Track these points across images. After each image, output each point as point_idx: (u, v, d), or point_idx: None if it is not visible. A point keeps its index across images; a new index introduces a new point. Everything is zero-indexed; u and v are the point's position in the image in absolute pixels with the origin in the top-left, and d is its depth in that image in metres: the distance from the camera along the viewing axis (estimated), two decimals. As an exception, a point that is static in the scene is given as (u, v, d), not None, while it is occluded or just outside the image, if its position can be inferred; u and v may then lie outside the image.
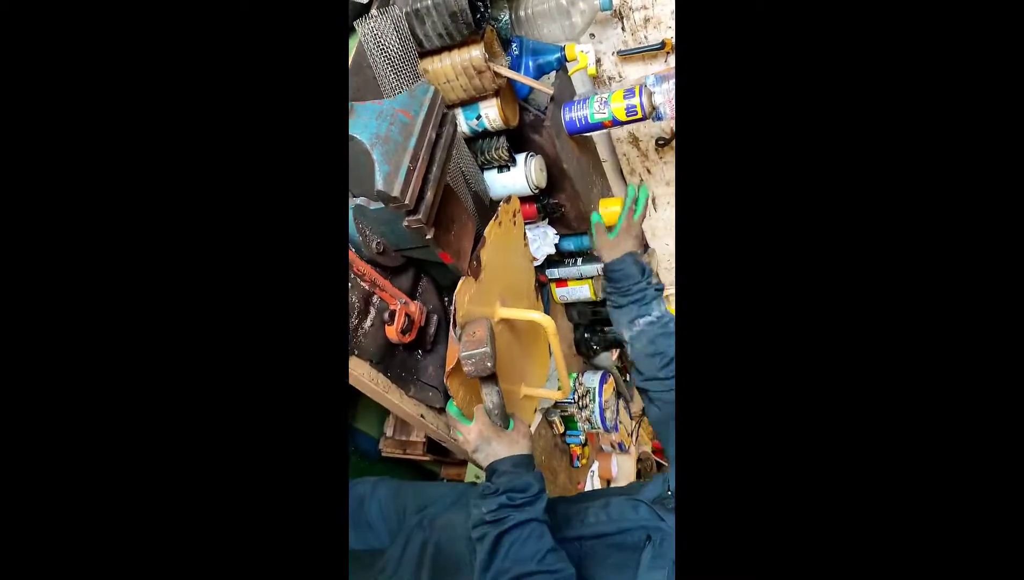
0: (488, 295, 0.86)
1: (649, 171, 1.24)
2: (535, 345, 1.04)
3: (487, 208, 1.00)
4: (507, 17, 0.92)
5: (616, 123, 0.94)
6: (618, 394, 1.42)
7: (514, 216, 0.94)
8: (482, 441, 0.70)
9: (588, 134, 1.14)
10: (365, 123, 0.59)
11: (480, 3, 0.81)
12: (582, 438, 1.31)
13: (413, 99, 0.64)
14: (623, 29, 1.01)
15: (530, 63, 0.95)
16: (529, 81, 0.87)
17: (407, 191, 0.58)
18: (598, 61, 1.06)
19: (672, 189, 1.27)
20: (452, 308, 0.75)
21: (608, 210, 1.14)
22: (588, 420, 1.29)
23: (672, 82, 0.90)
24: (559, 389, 0.98)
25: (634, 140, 1.19)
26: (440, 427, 0.85)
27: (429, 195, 0.62)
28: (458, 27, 0.78)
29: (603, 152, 1.24)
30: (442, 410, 0.84)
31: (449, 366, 0.75)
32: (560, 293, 1.26)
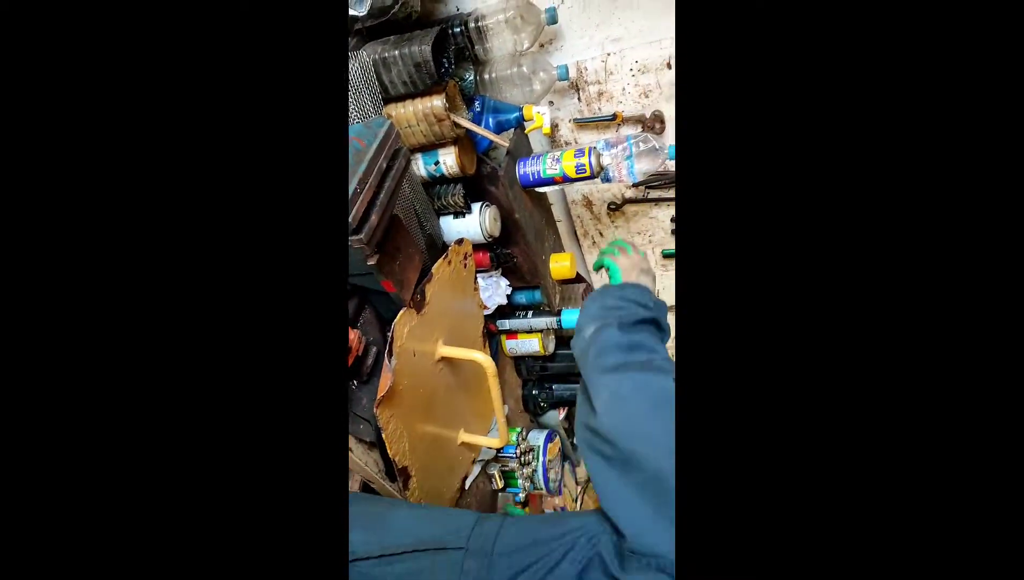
0: (430, 331, 0.87)
1: (601, 234, 1.30)
2: (478, 393, 1.04)
3: (439, 250, 1.02)
4: (472, 77, 0.99)
5: (566, 179, 0.99)
6: (564, 456, 1.39)
7: (465, 258, 0.97)
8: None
9: (545, 192, 1.20)
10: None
11: (445, 58, 0.87)
12: (522, 496, 1.27)
13: (369, 129, 0.67)
14: (579, 100, 1.10)
15: (490, 120, 1.01)
16: (486, 133, 0.93)
17: (352, 211, 0.60)
18: (555, 126, 1.14)
19: (623, 253, 1.32)
20: (390, 337, 0.75)
21: (558, 265, 1.19)
22: (530, 479, 1.26)
23: (620, 147, 0.97)
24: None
25: (588, 203, 1.25)
26: (369, 464, 0.82)
27: (374, 218, 0.64)
28: (421, 77, 0.83)
29: (558, 212, 1.30)
30: (373, 444, 0.81)
31: (380, 393, 0.73)
32: (510, 345, 1.27)
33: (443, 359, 0.90)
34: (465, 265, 0.97)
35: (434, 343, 0.89)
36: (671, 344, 0.76)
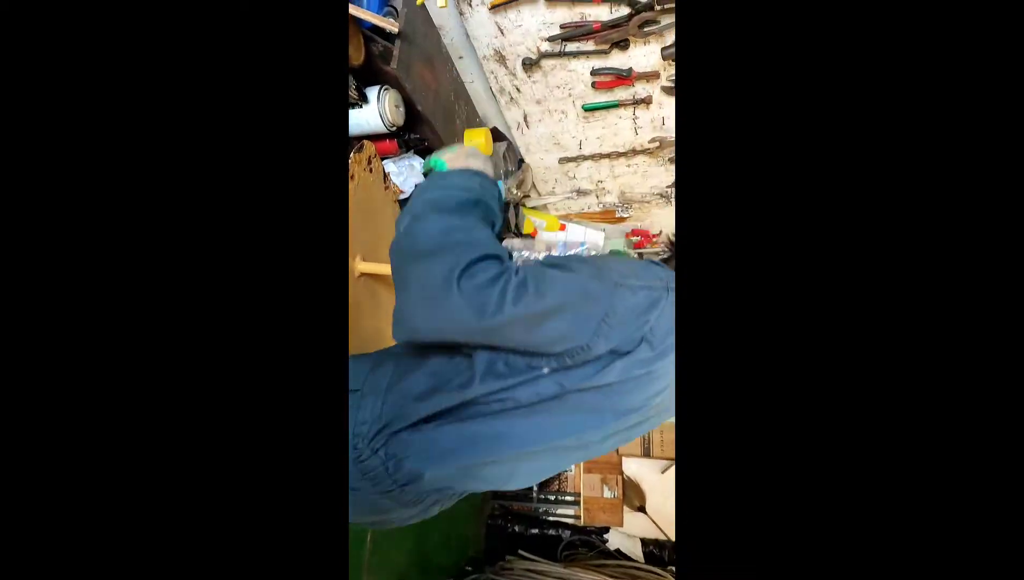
0: (349, 251, 0.86)
1: (518, 89, 1.20)
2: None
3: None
4: (339, -71, 0.79)
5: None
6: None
7: (369, 163, 0.91)
8: (470, 155, 0.71)
9: (448, 60, 1.07)
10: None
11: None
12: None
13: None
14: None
15: (373, -15, 0.85)
16: (370, 16, 0.79)
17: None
18: (454, -26, 0.97)
19: (542, 107, 1.25)
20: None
21: (474, 142, 1.12)
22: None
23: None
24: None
25: (500, 58, 1.13)
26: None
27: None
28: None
29: (470, 70, 1.18)
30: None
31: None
32: (433, 219, 1.26)
33: (364, 275, 0.91)
34: (371, 170, 0.92)
35: (352, 260, 0.88)
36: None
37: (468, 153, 0.70)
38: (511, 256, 0.58)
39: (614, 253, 1.39)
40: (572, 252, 1.38)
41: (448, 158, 0.70)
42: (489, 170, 0.69)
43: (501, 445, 0.58)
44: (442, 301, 0.53)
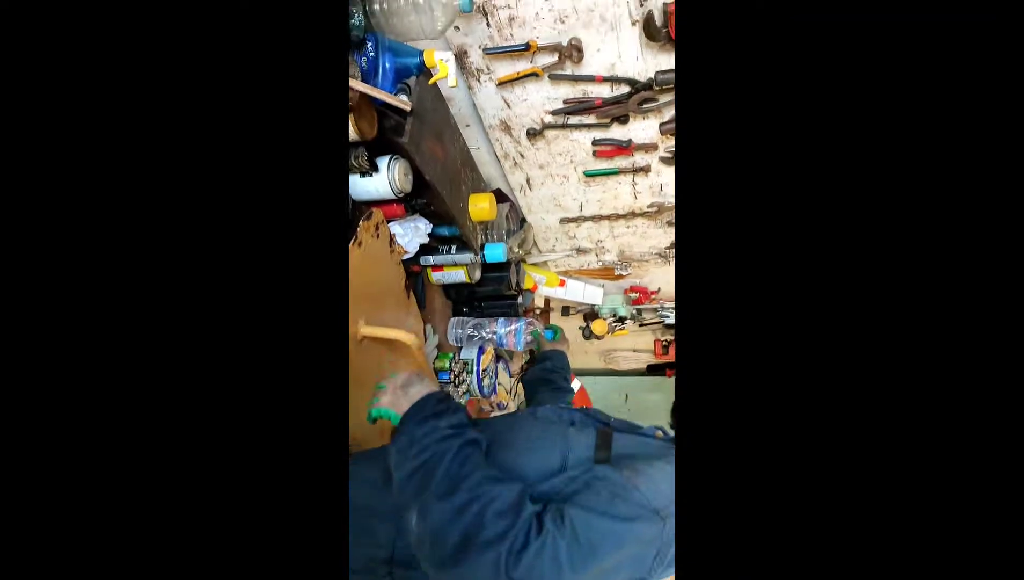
0: (351, 313, 0.87)
1: (522, 156, 1.25)
2: (405, 354, 1.08)
3: (349, 209, 0.97)
4: (359, 16, 0.85)
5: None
6: (498, 358, 1.52)
7: (377, 229, 0.94)
8: (403, 386, 0.68)
9: (456, 131, 1.11)
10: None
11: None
12: (460, 407, 1.41)
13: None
14: (488, 25, 0.97)
15: (387, 64, 0.90)
16: (384, 95, 0.83)
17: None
18: (464, 53, 1.02)
19: (545, 172, 1.29)
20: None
21: (478, 208, 1.16)
22: (467, 391, 1.39)
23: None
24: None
25: (506, 128, 1.18)
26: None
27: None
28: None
29: (476, 138, 1.23)
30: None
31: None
32: (436, 276, 1.29)
33: (366, 338, 0.92)
34: (378, 235, 0.95)
35: (355, 325, 0.90)
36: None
37: (402, 384, 0.69)
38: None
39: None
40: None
41: (387, 402, 0.68)
42: (427, 384, 0.68)
43: None
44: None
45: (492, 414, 1.54)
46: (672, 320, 1.68)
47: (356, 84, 0.80)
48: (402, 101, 0.85)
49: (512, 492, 0.53)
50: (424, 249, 1.24)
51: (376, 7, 0.87)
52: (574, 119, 1.13)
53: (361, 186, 0.98)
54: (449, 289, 1.39)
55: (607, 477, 0.56)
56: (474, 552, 0.50)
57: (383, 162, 0.96)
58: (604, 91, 1.07)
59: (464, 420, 0.63)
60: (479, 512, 0.51)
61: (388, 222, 1.02)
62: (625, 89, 1.05)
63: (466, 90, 1.10)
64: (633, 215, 1.39)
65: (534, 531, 0.51)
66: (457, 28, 0.98)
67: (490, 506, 0.52)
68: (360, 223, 0.88)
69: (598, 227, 1.47)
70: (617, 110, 1.08)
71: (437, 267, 1.27)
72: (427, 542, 0.52)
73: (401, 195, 0.99)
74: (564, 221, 1.45)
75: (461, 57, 1.03)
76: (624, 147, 1.17)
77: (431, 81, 0.90)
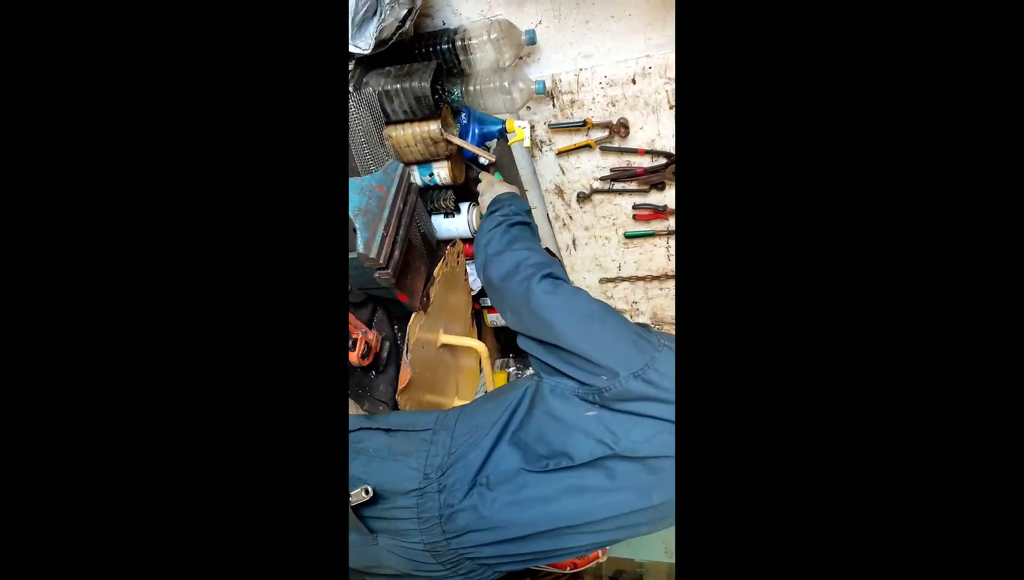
0: (434, 323, 1.03)
1: (571, 217, 1.46)
2: (468, 365, 1.22)
3: (433, 247, 1.17)
4: (459, 92, 1.10)
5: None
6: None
7: (458, 257, 1.13)
8: (488, 185, 0.97)
9: (523, 189, 1.34)
10: (349, 197, 0.75)
11: (439, 87, 0.98)
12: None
13: (387, 176, 0.80)
14: (554, 106, 1.22)
15: (476, 130, 1.13)
16: (475, 149, 1.06)
17: (382, 253, 0.75)
18: (532, 128, 1.27)
19: (589, 233, 1.49)
20: (406, 338, 0.92)
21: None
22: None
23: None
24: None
25: (560, 192, 1.40)
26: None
27: (396, 254, 0.78)
28: (421, 108, 0.95)
29: (534, 199, 1.45)
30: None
31: (401, 385, 0.91)
32: (490, 318, 1.45)
33: (444, 345, 1.07)
34: (458, 262, 1.13)
35: (436, 333, 1.06)
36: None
37: (491, 182, 0.98)
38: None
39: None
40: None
41: (483, 201, 0.95)
42: (507, 188, 0.97)
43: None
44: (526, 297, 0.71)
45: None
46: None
47: (454, 139, 1.03)
48: (487, 153, 1.07)
49: (540, 255, 0.76)
50: (483, 292, 1.42)
51: (471, 88, 1.13)
52: (618, 185, 1.35)
53: (443, 225, 1.18)
54: (499, 333, 1.54)
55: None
56: (516, 277, 0.72)
57: (464, 206, 1.17)
58: (645, 162, 1.29)
59: (519, 210, 0.87)
60: (529, 261, 0.74)
61: (466, 259, 1.21)
62: (663, 161, 1.28)
63: (529, 158, 1.34)
64: (666, 277, 1.56)
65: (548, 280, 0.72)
66: (529, 107, 1.24)
67: (532, 257, 0.75)
68: (447, 248, 1.07)
69: (634, 288, 1.64)
70: (656, 178, 1.30)
71: (492, 309, 1.44)
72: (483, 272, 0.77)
73: (475, 234, 1.19)
74: (603, 281, 1.63)
75: (529, 130, 1.27)
76: (660, 211, 1.38)
77: (509, 143, 1.13)
